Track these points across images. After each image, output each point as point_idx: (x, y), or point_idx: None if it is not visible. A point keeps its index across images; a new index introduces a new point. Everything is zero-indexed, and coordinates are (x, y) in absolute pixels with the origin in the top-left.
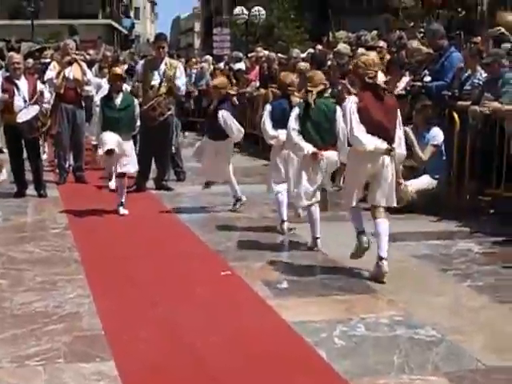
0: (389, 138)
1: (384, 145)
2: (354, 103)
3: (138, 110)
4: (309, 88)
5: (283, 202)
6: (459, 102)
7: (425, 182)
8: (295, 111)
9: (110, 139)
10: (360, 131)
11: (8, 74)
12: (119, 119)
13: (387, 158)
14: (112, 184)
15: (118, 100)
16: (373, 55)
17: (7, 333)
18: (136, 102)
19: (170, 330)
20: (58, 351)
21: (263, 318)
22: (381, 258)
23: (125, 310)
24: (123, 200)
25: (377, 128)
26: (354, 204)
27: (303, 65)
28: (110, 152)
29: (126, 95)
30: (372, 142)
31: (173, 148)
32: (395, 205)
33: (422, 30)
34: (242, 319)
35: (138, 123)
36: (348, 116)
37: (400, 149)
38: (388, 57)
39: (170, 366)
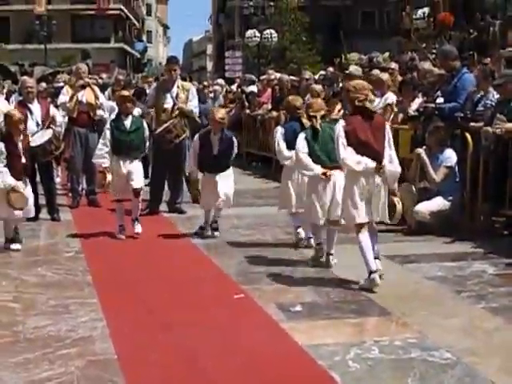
0: (378, 157)
1: (372, 164)
2: (342, 127)
3: (147, 132)
4: (311, 114)
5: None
6: (472, 124)
7: (438, 203)
8: (302, 135)
9: (120, 186)
10: (347, 153)
11: (21, 98)
12: (129, 142)
13: (377, 177)
14: (121, 236)
15: (128, 122)
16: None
17: (20, 357)
18: (145, 124)
19: (183, 353)
20: (72, 375)
21: (277, 341)
22: (371, 272)
23: (138, 334)
24: (138, 216)
25: (365, 148)
26: (358, 221)
27: (318, 87)
28: (120, 201)
29: (136, 118)
30: (360, 163)
31: (186, 171)
32: (388, 221)
33: (434, 51)
34: (255, 343)
35: (147, 145)
36: (335, 140)
37: (391, 166)
38: (400, 78)
39: None
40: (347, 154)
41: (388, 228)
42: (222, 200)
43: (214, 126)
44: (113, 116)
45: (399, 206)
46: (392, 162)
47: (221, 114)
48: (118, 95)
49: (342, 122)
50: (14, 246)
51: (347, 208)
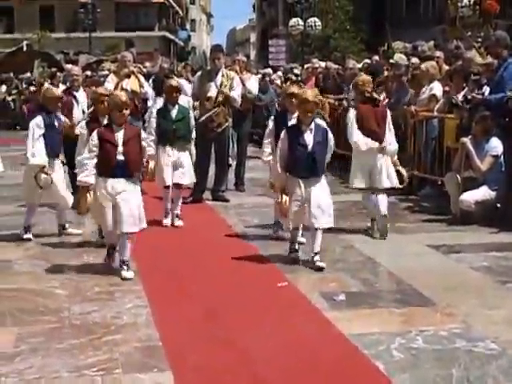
0: (380, 139)
1: (375, 144)
2: (353, 114)
3: (193, 121)
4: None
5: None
6: None
7: (484, 193)
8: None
9: (167, 173)
10: (359, 137)
11: (66, 86)
12: (175, 131)
13: (379, 154)
14: (167, 221)
15: (174, 112)
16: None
17: (66, 343)
18: (191, 113)
19: (226, 341)
20: (116, 361)
21: (320, 330)
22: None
23: (182, 321)
24: (179, 212)
25: (370, 132)
26: (356, 185)
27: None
28: (167, 187)
29: (182, 107)
30: (365, 144)
31: (229, 159)
32: (397, 185)
33: (479, 39)
34: (298, 331)
35: (194, 135)
36: (349, 124)
37: (391, 145)
38: (445, 67)
39: (226, 378)
40: (358, 137)
41: (432, 218)
42: (318, 217)
43: (304, 113)
44: (157, 105)
45: (403, 170)
46: (391, 144)
47: (313, 93)
48: (166, 85)
49: (352, 111)
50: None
51: (353, 174)
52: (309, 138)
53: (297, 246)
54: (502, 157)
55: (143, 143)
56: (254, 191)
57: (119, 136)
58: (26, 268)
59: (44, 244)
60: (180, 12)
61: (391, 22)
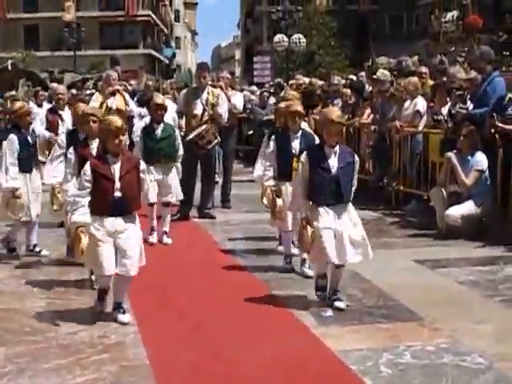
0: None
1: None
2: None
3: (179, 139)
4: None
5: None
6: (500, 125)
7: (469, 207)
8: None
9: (152, 191)
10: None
11: (51, 105)
12: (160, 149)
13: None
14: (153, 239)
15: (159, 130)
16: (414, 80)
17: (52, 362)
18: (177, 131)
19: (214, 356)
20: (104, 381)
21: (308, 346)
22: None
23: (170, 338)
24: (167, 229)
25: None
26: None
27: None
28: (152, 205)
29: (167, 125)
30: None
31: (216, 176)
32: None
33: (463, 54)
34: (286, 347)
35: (181, 152)
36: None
37: None
38: (430, 82)
39: None
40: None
41: (418, 232)
42: (350, 252)
43: (329, 135)
44: (142, 123)
45: None
46: None
47: (337, 112)
48: (152, 102)
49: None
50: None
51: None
52: (333, 161)
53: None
54: (487, 171)
55: (142, 175)
56: (240, 208)
57: (116, 169)
58: (11, 288)
59: (29, 262)
60: (165, 30)
61: (375, 38)
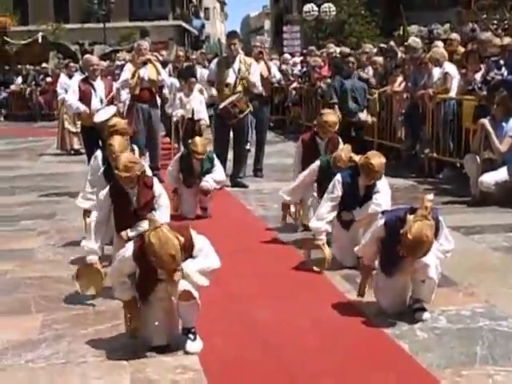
0: None
1: None
2: None
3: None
4: None
5: None
6: None
7: (503, 174)
8: None
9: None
10: None
11: (83, 76)
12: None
13: None
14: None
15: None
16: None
17: (91, 328)
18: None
19: (248, 324)
20: (141, 345)
21: (343, 311)
22: None
23: (205, 305)
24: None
25: None
26: None
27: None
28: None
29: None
30: None
31: (248, 145)
32: None
33: (495, 21)
34: (321, 313)
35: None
36: None
37: None
38: (461, 49)
39: (250, 361)
40: None
41: (452, 199)
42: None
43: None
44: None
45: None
46: None
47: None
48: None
49: None
50: None
51: None
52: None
53: None
54: None
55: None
56: (272, 177)
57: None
58: (48, 256)
59: (65, 232)
60: (194, 0)
61: (406, 6)
